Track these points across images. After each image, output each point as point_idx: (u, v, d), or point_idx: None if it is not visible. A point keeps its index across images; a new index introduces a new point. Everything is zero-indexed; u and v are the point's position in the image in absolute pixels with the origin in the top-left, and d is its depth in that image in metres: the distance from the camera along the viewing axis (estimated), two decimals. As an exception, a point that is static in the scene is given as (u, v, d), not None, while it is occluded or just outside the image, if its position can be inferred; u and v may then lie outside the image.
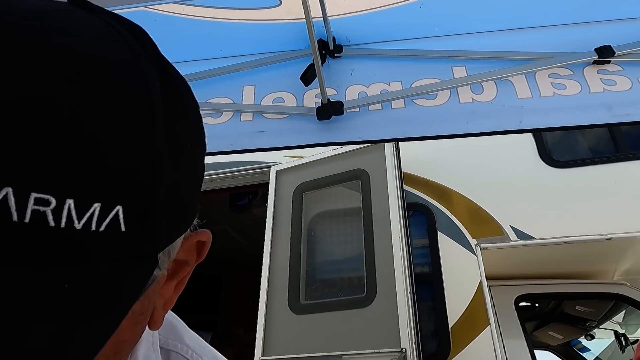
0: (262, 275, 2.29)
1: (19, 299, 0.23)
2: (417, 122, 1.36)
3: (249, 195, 3.10)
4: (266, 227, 2.44)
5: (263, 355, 2.03)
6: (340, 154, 2.42)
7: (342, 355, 1.90)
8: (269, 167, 2.64)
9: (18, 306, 0.22)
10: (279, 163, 2.62)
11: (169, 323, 0.50)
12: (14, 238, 0.23)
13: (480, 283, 2.05)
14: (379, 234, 2.12)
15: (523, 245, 2.09)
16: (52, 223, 0.23)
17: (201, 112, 0.36)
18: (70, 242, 0.24)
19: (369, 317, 1.95)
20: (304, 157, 2.55)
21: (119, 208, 0.25)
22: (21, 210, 0.23)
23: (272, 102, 1.49)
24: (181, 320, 0.52)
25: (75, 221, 0.24)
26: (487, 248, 2.13)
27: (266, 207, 2.61)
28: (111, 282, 0.26)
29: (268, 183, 2.61)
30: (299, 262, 2.28)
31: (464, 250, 2.16)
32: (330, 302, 2.11)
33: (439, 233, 2.24)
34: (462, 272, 2.12)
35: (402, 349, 1.79)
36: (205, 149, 0.36)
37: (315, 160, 2.50)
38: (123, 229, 0.26)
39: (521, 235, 2.11)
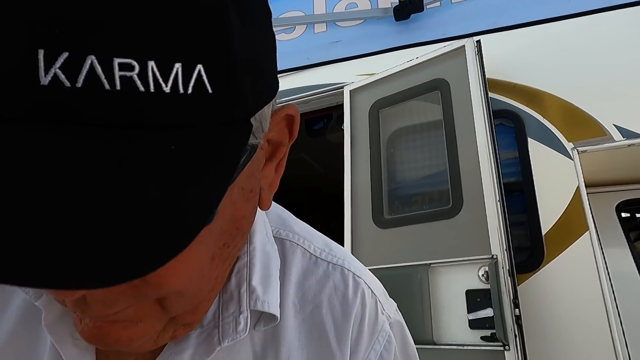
0: (345, 195, 2.34)
1: (133, 163, 0.23)
2: (509, 8, 1.21)
3: (323, 120, 3.10)
4: (345, 148, 2.45)
5: (352, 267, 2.13)
6: (416, 65, 2.29)
7: (430, 264, 1.93)
8: (342, 87, 2.58)
9: (134, 169, 0.23)
10: (352, 83, 2.56)
11: (277, 215, 0.52)
12: (113, 107, 0.23)
13: (578, 188, 1.92)
14: (463, 145, 2.03)
15: (629, 145, 1.89)
16: (141, 88, 0.23)
17: (274, 29, 0.34)
18: (164, 106, 0.24)
19: (456, 228, 1.93)
20: (377, 74, 2.45)
21: (200, 67, 0.25)
22: (110, 77, 0.23)
23: (345, 9, 1.41)
24: (288, 212, 0.54)
25: (163, 84, 0.24)
26: (585, 151, 1.96)
27: (342, 130, 2.60)
28: (212, 145, 0.26)
29: (342, 104, 2.57)
30: (380, 180, 2.28)
31: (559, 155, 2.01)
32: (414, 215, 2.11)
33: (530, 140, 2.09)
34: (556, 179, 1.99)
35: (492, 255, 1.77)
36: (271, 14, 0.34)
37: (389, 75, 2.39)
38: (210, 90, 0.26)
39: (628, 134, 1.90)
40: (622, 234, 2.17)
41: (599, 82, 2.04)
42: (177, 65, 0.24)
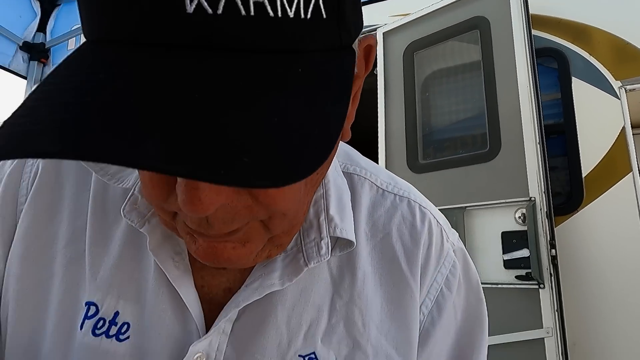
0: (379, 140, 2.34)
1: (278, 81, 0.26)
2: None
3: (355, 65, 3.03)
4: (378, 94, 2.41)
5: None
6: (453, 2, 2.18)
7: (465, 207, 1.95)
8: (375, 30, 2.50)
9: (280, 87, 0.25)
10: (385, 24, 2.47)
11: (344, 152, 0.54)
12: (248, 31, 0.25)
13: (623, 129, 1.85)
14: (503, 86, 1.97)
15: (683, 82, 1.79)
16: (271, 13, 0.25)
17: None
18: (289, 31, 0.26)
19: (492, 171, 1.93)
20: (411, 14, 2.36)
21: None
22: (246, 3, 0.25)
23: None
24: (353, 148, 0.56)
25: (288, 9, 0.26)
26: (633, 89, 1.87)
27: (374, 75, 2.55)
28: (333, 67, 0.29)
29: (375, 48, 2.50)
30: (415, 125, 2.26)
31: (604, 94, 1.93)
32: (450, 159, 2.11)
33: (574, 79, 2.01)
34: (600, 119, 1.93)
35: (530, 198, 1.77)
36: None
37: (425, 15, 2.30)
38: (324, 15, 0.27)
39: (682, 70, 1.80)
40: (666, 175, 2.11)
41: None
42: None
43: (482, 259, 1.85)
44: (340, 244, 0.46)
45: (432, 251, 0.49)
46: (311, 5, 0.27)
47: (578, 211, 1.89)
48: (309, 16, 0.27)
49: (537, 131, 1.82)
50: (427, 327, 0.48)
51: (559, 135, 2.00)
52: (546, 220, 1.73)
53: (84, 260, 0.46)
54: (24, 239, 0.46)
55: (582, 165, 1.92)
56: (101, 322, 0.44)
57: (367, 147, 2.43)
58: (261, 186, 0.23)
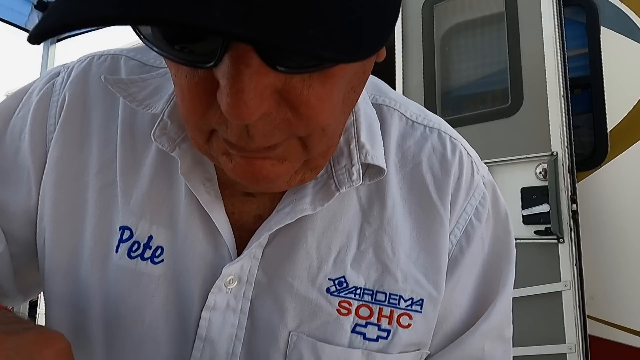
0: (396, 96, 2.29)
1: None
2: None
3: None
4: (395, 48, 2.35)
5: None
6: (477, -51, 2.07)
7: (485, 163, 1.92)
8: (393, -19, 2.40)
9: None
10: (404, -25, 2.37)
11: (373, 83, 0.53)
12: None
13: (653, 80, 1.78)
14: (527, 37, 1.90)
15: None
16: None
17: None
18: None
19: (513, 126, 1.89)
20: (432, -37, 2.25)
21: None
22: None
23: None
24: (382, 80, 0.55)
25: None
26: (667, 38, 1.78)
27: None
28: None
29: (393, 1, 2.41)
30: (434, 80, 2.20)
31: (635, 44, 1.84)
32: (470, 115, 2.06)
33: (602, 29, 1.91)
34: (629, 70, 1.85)
35: (552, 152, 1.74)
36: None
37: (446, -36, 2.19)
38: None
39: None
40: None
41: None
42: None
43: (501, 215, 1.84)
44: (370, 172, 0.46)
45: (462, 182, 0.49)
46: None
47: (601, 166, 1.85)
48: None
49: (561, 84, 1.76)
50: (456, 255, 0.49)
51: (584, 89, 1.93)
52: (568, 175, 1.70)
53: (116, 187, 0.47)
54: (56, 167, 0.47)
55: (607, 119, 1.86)
56: (135, 245, 0.45)
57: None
58: (328, 59, 0.24)
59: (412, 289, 0.46)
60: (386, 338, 0.45)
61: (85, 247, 0.46)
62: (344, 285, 0.45)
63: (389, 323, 0.45)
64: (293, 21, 0.22)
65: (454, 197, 0.49)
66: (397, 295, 0.45)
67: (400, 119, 0.51)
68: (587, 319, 1.66)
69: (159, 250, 0.45)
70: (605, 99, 1.87)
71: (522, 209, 1.79)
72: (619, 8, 1.89)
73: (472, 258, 0.49)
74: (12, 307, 0.45)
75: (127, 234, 0.45)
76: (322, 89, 0.31)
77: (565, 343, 1.64)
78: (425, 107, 1.96)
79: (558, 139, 1.73)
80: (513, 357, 0.52)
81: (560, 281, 1.67)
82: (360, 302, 0.45)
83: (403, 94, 2.28)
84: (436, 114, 1.89)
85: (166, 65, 0.40)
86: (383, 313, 0.45)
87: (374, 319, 0.45)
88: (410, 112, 0.52)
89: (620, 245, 1.79)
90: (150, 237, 0.45)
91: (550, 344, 1.66)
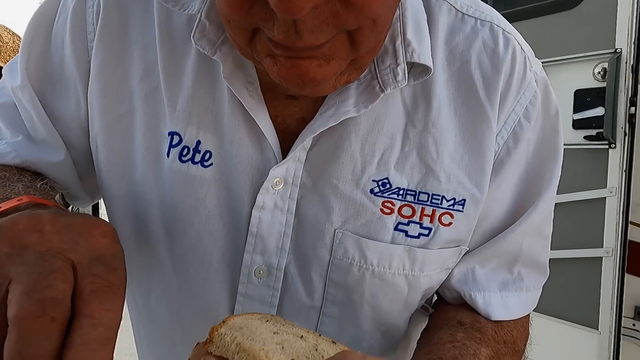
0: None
1: None
2: None
3: None
4: None
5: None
6: None
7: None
8: None
9: None
10: None
11: None
12: None
13: None
14: None
15: None
16: None
17: None
18: None
19: (573, 20, 1.71)
20: None
21: None
22: None
23: None
24: None
25: None
26: None
27: None
28: None
29: None
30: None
31: None
32: (524, 9, 1.87)
33: None
34: None
35: (616, 49, 1.58)
36: None
37: None
38: None
39: None
40: None
41: None
42: None
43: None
44: (416, 71, 0.45)
45: (513, 80, 0.47)
46: None
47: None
48: None
49: (637, -33, 1.54)
50: (502, 156, 0.48)
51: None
52: (630, 74, 1.56)
53: (161, 93, 0.47)
54: (100, 75, 0.48)
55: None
56: (185, 149, 0.47)
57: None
58: None
59: (454, 190, 0.46)
60: (427, 235, 0.47)
61: (137, 152, 0.48)
62: (387, 186, 0.46)
63: (431, 221, 0.46)
64: None
65: (503, 96, 0.47)
66: (439, 195, 0.46)
67: (449, 11, 0.47)
68: (629, 224, 1.64)
69: (208, 155, 0.47)
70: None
71: (574, 112, 1.70)
72: None
73: (518, 158, 0.49)
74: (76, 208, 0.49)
75: (176, 139, 0.47)
76: None
77: (602, 247, 1.65)
78: (475, 0, 1.77)
79: (624, 34, 1.56)
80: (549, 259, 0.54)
81: (606, 187, 1.62)
82: (403, 202, 0.46)
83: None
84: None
85: None
86: (425, 212, 0.46)
87: (416, 218, 0.46)
88: (460, 3, 0.48)
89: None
90: (199, 142, 0.47)
91: (587, 247, 1.67)
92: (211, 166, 0.47)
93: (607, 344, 1.64)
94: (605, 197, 1.63)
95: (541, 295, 0.54)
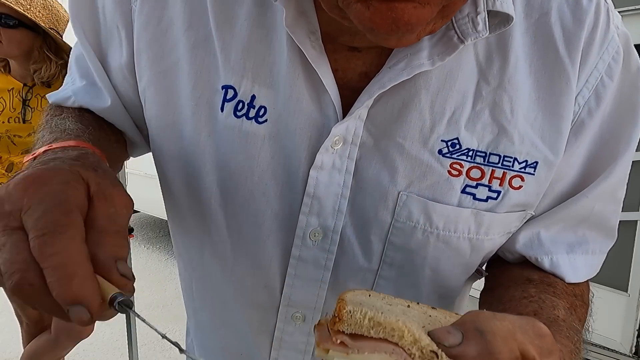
0: None
1: None
2: None
3: None
4: None
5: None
6: None
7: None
8: None
9: None
10: None
11: None
12: None
13: None
14: None
15: None
16: None
17: None
18: None
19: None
20: None
21: None
22: None
23: None
24: None
25: None
26: None
27: None
28: None
29: None
30: None
31: None
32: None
33: None
34: None
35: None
36: None
37: None
38: None
39: None
40: None
41: None
42: None
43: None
44: (494, 22, 0.41)
45: (596, 34, 0.43)
46: None
47: None
48: None
49: None
50: (583, 118, 0.45)
51: None
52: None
53: (212, 43, 0.45)
54: (146, 25, 0.47)
55: None
56: (240, 104, 0.45)
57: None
58: None
59: (527, 151, 0.44)
60: (496, 199, 0.45)
61: (186, 107, 0.47)
62: (457, 147, 0.43)
63: (500, 184, 0.44)
64: None
65: (585, 52, 0.43)
66: (511, 157, 0.44)
67: None
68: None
69: (262, 110, 0.45)
70: None
71: None
72: None
73: (599, 120, 0.45)
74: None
75: (231, 93, 0.45)
76: None
77: (638, 210, 1.61)
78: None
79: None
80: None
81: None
82: (472, 164, 0.44)
83: None
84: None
85: None
86: (495, 175, 0.44)
87: (485, 181, 0.44)
88: None
89: None
90: (254, 97, 0.45)
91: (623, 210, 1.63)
92: (265, 123, 0.45)
93: (634, 307, 1.64)
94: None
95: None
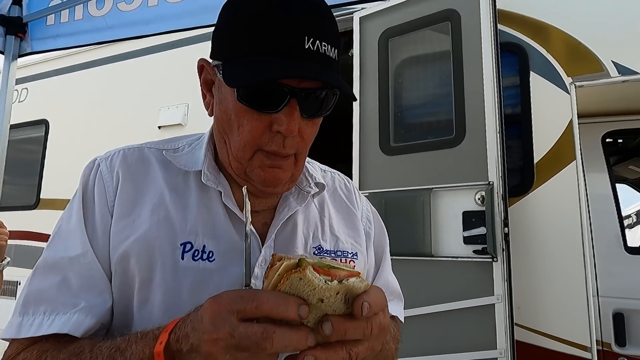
0: (354, 121, 2.51)
1: (335, 71, 0.68)
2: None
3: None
4: (353, 76, 2.56)
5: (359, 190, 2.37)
6: (428, -7, 2.33)
7: (432, 188, 2.18)
8: (352, 13, 2.62)
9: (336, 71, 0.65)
10: (362, 8, 2.59)
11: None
12: (329, 59, 0.66)
13: (571, 121, 2.12)
14: (470, 76, 2.18)
15: (623, 82, 2.06)
16: (332, 56, 0.67)
17: None
18: (335, 62, 0.67)
19: (457, 156, 2.16)
20: (389, 0, 2.49)
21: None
22: (326, 50, 0.65)
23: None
24: None
25: (335, 55, 0.68)
26: (582, 86, 2.13)
27: (349, 55, 2.68)
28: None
29: (351, 31, 2.63)
30: (388, 108, 2.44)
31: (557, 89, 2.18)
32: (419, 143, 2.32)
33: (532, 73, 2.24)
34: (552, 111, 2.19)
35: (489, 182, 2.02)
36: None
37: (401, 3, 2.44)
38: (337, 56, 0.68)
39: (623, 70, 2.06)
40: (604, 161, 2.42)
41: (604, 18, 2.14)
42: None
43: (446, 235, 2.10)
44: (318, 187, 0.82)
45: (357, 196, 0.90)
46: (336, 52, 0.66)
47: (529, 193, 2.17)
48: (337, 57, 0.67)
49: (497, 121, 2.05)
50: (368, 230, 0.90)
51: (516, 124, 2.24)
52: (501, 202, 1.98)
53: (171, 219, 0.72)
54: (119, 219, 0.71)
55: (534, 153, 2.17)
56: (196, 252, 0.71)
57: (343, 121, 2.58)
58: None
59: (350, 247, 0.84)
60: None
61: (157, 262, 0.69)
62: (321, 249, 0.81)
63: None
64: (331, 79, 0.63)
65: (357, 203, 0.91)
66: (345, 251, 0.83)
67: (319, 167, 0.92)
68: (514, 326, 1.94)
69: (211, 253, 0.71)
70: (533, 135, 2.19)
71: (463, 230, 2.06)
72: (544, 55, 2.23)
73: (374, 231, 0.91)
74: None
75: (189, 246, 0.71)
76: (313, 128, 0.70)
77: (496, 349, 1.92)
78: (380, 133, 2.25)
79: (494, 170, 2.02)
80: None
81: (493, 295, 1.94)
82: (330, 257, 0.81)
83: (359, 118, 2.51)
84: (389, 140, 2.17)
85: (178, 146, 0.78)
86: (341, 260, 0.82)
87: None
88: (320, 167, 0.92)
89: (543, 263, 2.11)
90: (205, 246, 0.71)
91: (483, 349, 1.92)
92: (214, 261, 0.71)
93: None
94: (494, 304, 1.94)
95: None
